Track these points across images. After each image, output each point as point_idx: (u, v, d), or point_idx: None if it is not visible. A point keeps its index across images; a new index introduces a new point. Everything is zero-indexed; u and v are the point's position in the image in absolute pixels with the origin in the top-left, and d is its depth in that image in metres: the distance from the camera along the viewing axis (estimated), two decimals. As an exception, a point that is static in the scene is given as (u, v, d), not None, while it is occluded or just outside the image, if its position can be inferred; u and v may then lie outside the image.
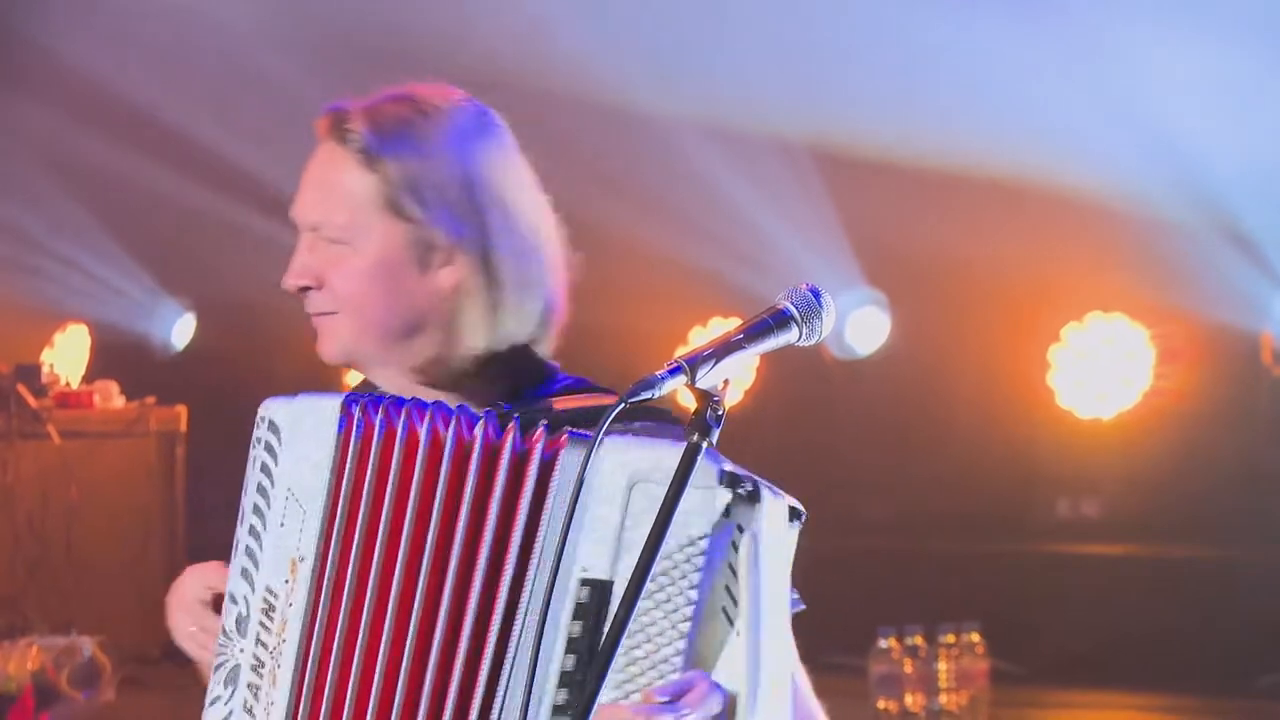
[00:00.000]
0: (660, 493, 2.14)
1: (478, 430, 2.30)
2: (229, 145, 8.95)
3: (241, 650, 2.36)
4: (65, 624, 6.86)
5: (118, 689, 6.63)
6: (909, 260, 7.67)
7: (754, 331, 2.18)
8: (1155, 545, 7.38)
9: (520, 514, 2.27)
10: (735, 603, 2.21)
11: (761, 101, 8.06)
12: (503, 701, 2.29)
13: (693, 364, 2.08)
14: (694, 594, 2.19)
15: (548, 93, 7.65)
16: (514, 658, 2.30)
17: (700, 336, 7.79)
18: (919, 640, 6.26)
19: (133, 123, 9.34)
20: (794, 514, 2.26)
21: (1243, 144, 7.00)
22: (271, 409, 2.35)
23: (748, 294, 7.59)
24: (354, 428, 2.32)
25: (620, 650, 2.17)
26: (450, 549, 2.31)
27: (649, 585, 2.17)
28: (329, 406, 2.34)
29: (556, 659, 2.25)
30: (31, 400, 8.08)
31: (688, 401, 2.12)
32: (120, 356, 9.70)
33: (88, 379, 9.12)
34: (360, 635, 2.32)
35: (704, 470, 2.16)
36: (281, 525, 2.36)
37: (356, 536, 2.31)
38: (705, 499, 2.20)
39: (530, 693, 2.25)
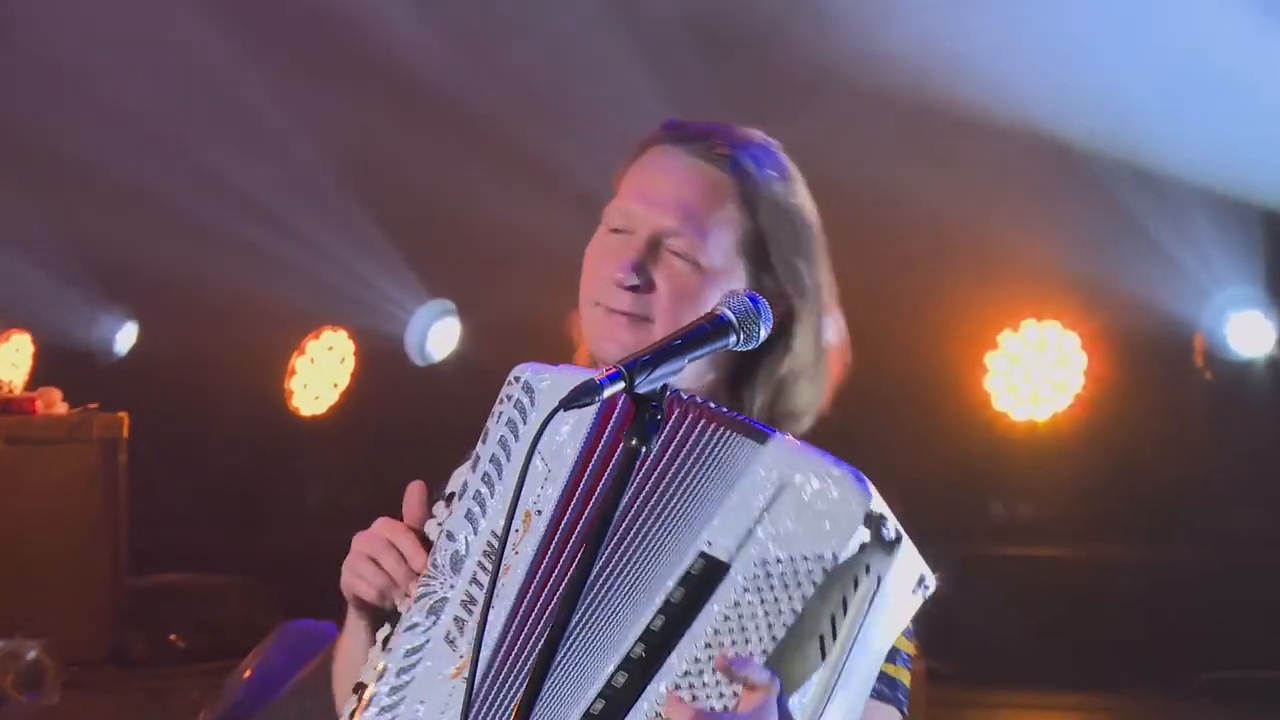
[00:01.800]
0: (807, 499, 2.19)
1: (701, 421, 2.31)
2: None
3: (452, 586, 2.41)
4: (10, 628, 6.79)
5: (62, 691, 6.61)
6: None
7: (692, 337, 2.23)
8: (1089, 547, 7.39)
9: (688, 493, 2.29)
10: (834, 636, 2.19)
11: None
12: (586, 635, 2.33)
13: (630, 369, 2.12)
14: (799, 606, 2.19)
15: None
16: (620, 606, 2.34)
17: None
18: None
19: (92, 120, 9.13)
20: (921, 581, 2.26)
21: (1178, 151, 7.04)
22: (529, 372, 2.39)
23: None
24: (615, 410, 2.35)
25: (709, 632, 2.22)
26: (654, 529, 2.33)
27: (760, 574, 2.23)
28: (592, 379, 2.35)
29: (645, 617, 2.28)
30: None
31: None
32: (62, 364, 9.65)
33: (30, 386, 9.06)
34: (566, 575, 2.37)
35: (856, 501, 2.18)
36: (518, 477, 2.39)
37: (591, 504, 2.35)
38: (847, 528, 2.20)
39: (612, 634, 2.31)
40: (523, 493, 2.34)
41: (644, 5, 8.29)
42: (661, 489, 2.30)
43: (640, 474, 2.33)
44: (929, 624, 5.42)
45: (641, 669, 2.27)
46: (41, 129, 9.51)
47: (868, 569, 2.17)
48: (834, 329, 2.54)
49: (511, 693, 2.35)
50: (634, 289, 2.44)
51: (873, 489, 2.19)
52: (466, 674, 2.31)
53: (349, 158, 8.83)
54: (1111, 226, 7.25)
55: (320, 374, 9.56)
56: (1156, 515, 7.22)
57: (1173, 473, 7.21)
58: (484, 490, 2.44)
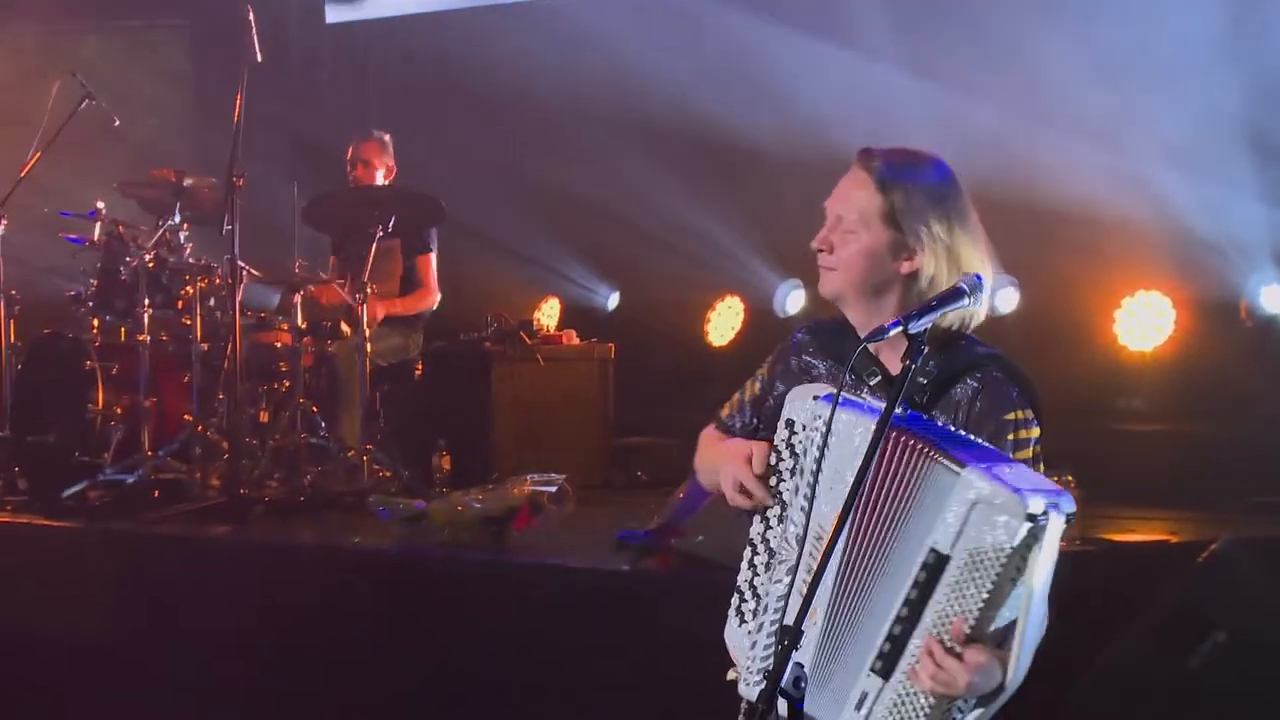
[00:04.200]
0: (993, 515, 2.75)
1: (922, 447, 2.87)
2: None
3: (797, 555, 2.98)
4: (547, 467, 7.22)
5: (576, 505, 7.03)
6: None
7: (944, 299, 2.95)
8: (1177, 424, 8.34)
9: (908, 503, 2.86)
10: (1021, 586, 2.75)
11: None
12: (862, 605, 2.90)
13: (907, 319, 2.84)
14: (995, 576, 2.75)
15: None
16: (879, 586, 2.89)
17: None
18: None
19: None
20: (1068, 519, 2.78)
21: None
22: (825, 414, 2.96)
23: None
24: (887, 443, 2.87)
25: (942, 600, 2.82)
26: (892, 515, 2.89)
27: (967, 561, 2.76)
28: (869, 423, 2.89)
29: (903, 592, 2.86)
30: (527, 340, 9.41)
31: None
32: (577, 315, 10.97)
33: (559, 328, 10.38)
34: (858, 556, 2.92)
35: (1019, 509, 2.72)
36: (831, 488, 2.96)
37: (870, 502, 2.90)
38: (1015, 527, 2.73)
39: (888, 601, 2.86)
40: (833, 497, 2.92)
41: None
42: (897, 498, 2.84)
43: (881, 486, 2.85)
44: (1086, 467, 6.47)
45: (905, 626, 2.84)
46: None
47: (1031, 545, 2.74)
48: (939, 265, 3.08)
49: (835, 626, 2.93)
50: (820, 251, 3.12)
51: (1030, 496, 2.71)
52: (818, 619, 2.94)
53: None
54: (1188, 235, 8.27)
55: (722, 322, 10.41)
56: (1214, 405, 8.23)
57: (1226, 380, 8.25)
58: (808, 491, 2.98)
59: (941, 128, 8.49)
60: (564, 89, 10.28)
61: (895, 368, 3.00)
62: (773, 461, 3.02)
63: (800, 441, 2.98)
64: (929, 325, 2.84)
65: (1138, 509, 7.30)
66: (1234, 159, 8.07)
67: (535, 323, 9.96)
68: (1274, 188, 8.09)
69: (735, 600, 3.06)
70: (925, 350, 2.84)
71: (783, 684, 2.66)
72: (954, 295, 2.88)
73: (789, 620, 2.81)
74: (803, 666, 2.73)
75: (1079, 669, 5.59)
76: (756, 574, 3.04)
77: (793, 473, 2.99)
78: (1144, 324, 8.74)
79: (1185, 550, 6.02)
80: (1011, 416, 3.02)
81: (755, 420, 3.30)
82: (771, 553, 3.02)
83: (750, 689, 3.05)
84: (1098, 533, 6.52)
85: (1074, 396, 8.34)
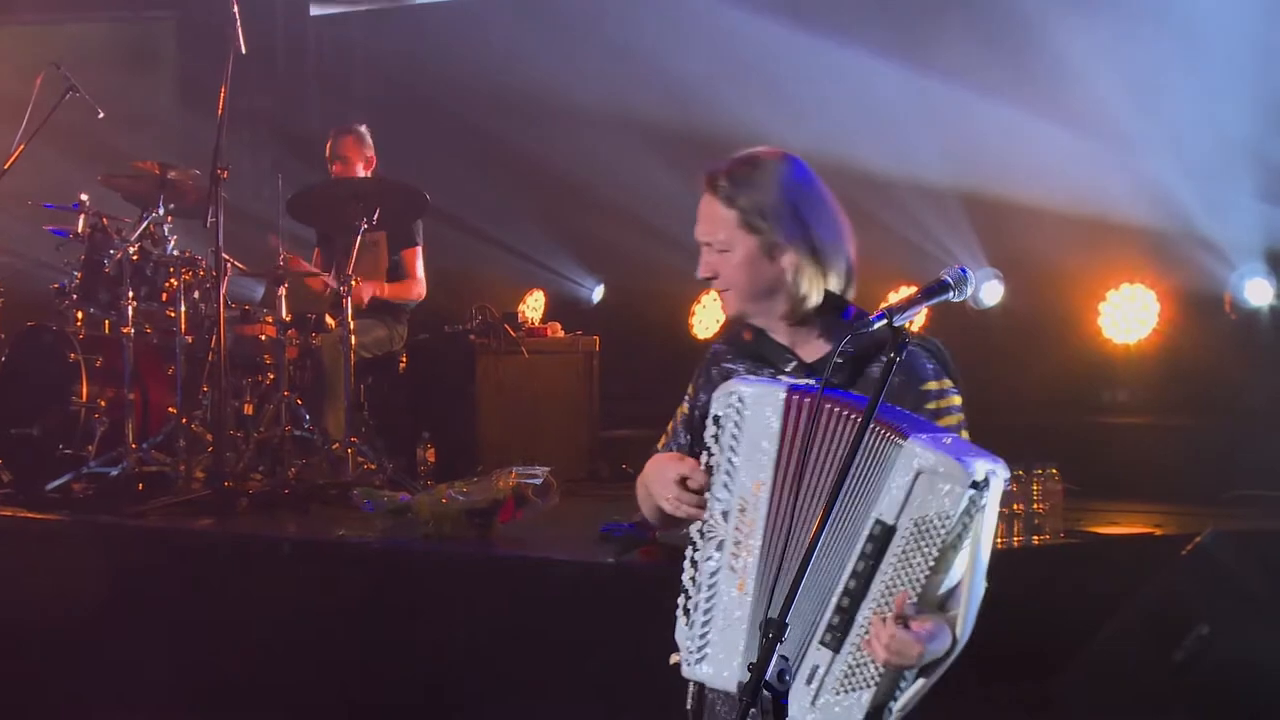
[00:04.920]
0: (937, 484, 2.83)
1: (847, 412, 2.93)
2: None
3: (725, 530, 3.04)
4: (530, 459, 7.24)
5: (560, 497, 6.99)
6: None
7: (929, 292, 2.94)
8: (1160, 416, 8.47)
9: (844, 469, 2.87)
10: (966, 549, 2.85)
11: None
12: (821, 571, 2.92)
13: (891, 312, 2.88)
14: (942, 542, 2.83)
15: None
16: (829, 553, 2.93)
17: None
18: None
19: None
20: (1006, 482, 2.90)
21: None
22: (742, 389, 3.04)
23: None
24: (794, 406, 2.98)
25: (890, 569, 2.89)
26: (824, 486, 2.94)
27: (912, 530, 2.84)
28: (779, 392, 3.01)
29: (849, 564, 2.91)
30: (512, 333, 9.49)
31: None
32: (562, 308, 11.03)
33: (543, 320, 10.38)
34: (789, 530, 2.97)
35: (962, 477, 2.82)
36: (749, 460, 3.02)
37: (794, 472, 2.95)
38: (959, 494, 2.82)
39: (834, 575, 2.92)
40: (751, 469, 3.01)
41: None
42: (836, 471, 2.89)
43: (824, 457, 2.92)
44: (1069, 461, 6.56)
45: (853, 598, 2.90)
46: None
47: (974, 511, 2.83)
48: (803, 253, 3.19)
49: (772, 598, 2.92)
50: (709, 279, 3.27)
51: (973, 463, 2.81)
52: (747, 588, 2.97)
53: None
54: (1177, 230, 8.41)
55: (707, 315, 10.32)
56: (1199, 398, 8.38)
57: (1210, 373, 8.37)
58: (730, 468, 3.05)
59: (932, 123, 8.87)
60: (551, 81, 10.33)
61: (811, 355, 3.16)
62: (705, 460, 3.08)
63: (721, 434, 3.05)
64: (913, 317, 2.91)
65: (1122, 502, 7.36)
66: (1220, 153, 8.16)
67: (520, 315, 10.05)
68: (1259, 182, 8.19)
69: (681, 600, 3.11)
70: (886, 338, 2.95)
71: (767, 677, 2.67)
72: (939, 288, 2.91)
73: (755, 606, 2.91)
74: (787, 660, 2.75)
75: (1063, 662, 5.61)
76: (696, 569, 3.09)
77: (718, 468, 3.06)
78: (1128, 317, 8.83)
79: (1169, 543, 6.05)
80: (927, 387, 3.09)
81: (689, 438, 3.33)
82: (700, 542, 3.10)
83: (693, 669, 3.09)
84: (1082, 526, 6.57)
85: (1058, 390, 8.73)
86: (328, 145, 9.20)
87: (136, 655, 6.69)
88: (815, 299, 3.17)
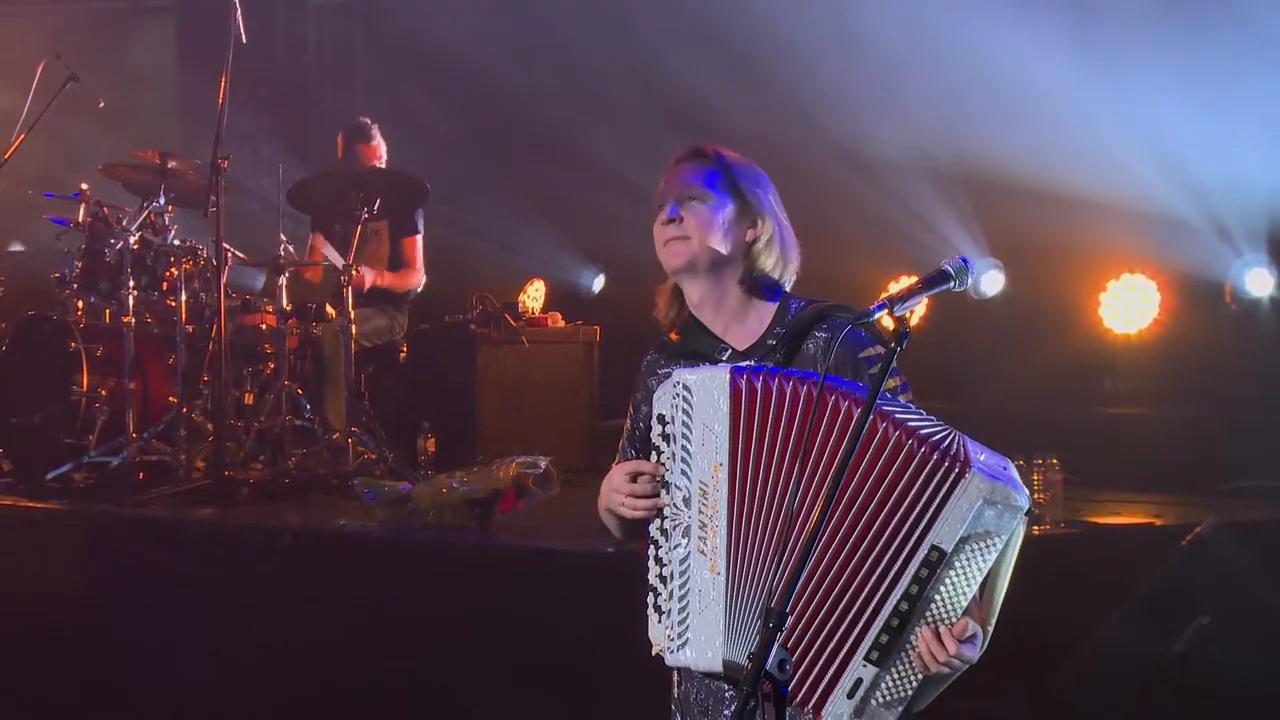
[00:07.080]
0: (994, 511, 2.82)
1: (811, 391, 2.89)
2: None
3: (689, 516, 2.98)
4: (532, 448, 7.23)
5: (561, 487, 6.99)
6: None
7: (930, 282, 2.86)
8: (1160, 407, 8.27)
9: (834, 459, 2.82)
10: (1006, 564, 2.88)
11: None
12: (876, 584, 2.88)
13: (892, 302, 2.76)
14: (990, 560, 2.85)
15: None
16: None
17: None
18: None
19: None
20: (1030, 511, 2.88)
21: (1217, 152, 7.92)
22: (685, 377, 3.00)
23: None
24: (741, 387, 2.94)
25: (945, 589, 2.85)
26: (791, 463, 2.88)
27: (968, 551, 2.82)
28: (723, 374, 2.97)
29: (900, 586, 2.87)
30: (512, 322, 9.37)
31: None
32: (563, 298, 11.03)
33: (544, 310, 10.45)
34: (755, 506, 2.93)
35: (1020, 507, 2.85)
36: (703, 444, 2.98)
37: (753, 449, 2.91)
38: (1012, 522, 2.85)
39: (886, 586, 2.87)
40: (707, 452, 2.96)
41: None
42: (887, 493, 2.81)
43: (783, 433, 2.88)
44: (1069, 451, 6.64)
45: (903, 619, 2.86)
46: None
47: (1019, 528, 2.86)
48: (776, 230, 3.26)
49: (753, 579, 2.90)
50: (671, 221, 3.22)
51: (1021, 487, 2.82)
52: (719, 569, 2.93)
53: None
54: (1178, 222, 8.25)
55: None
56: (1199, 389, 8.22)
57: (1211, 363, 8.25)
58: (685, 454, 3.02)
59: (934, 110, 8.76)
60: (552, 71, 10.33)
61: (743, 342, 3.18)
62: (655, 459, 3.05)
63: (669, 426, 3.01)
64: (913, 308, 2.82)
65: (1122, 492, 7.32)
66: (1221, 143, 8.03)
67: (520, 305, 9.95)
68: (1259, 171, 8.05)
69: (650, 599, 3.06)
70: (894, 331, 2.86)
71: (767, 667, 2.61)
72: (940, 278, 2.83)
73: (728, 584, 2.87)
74: (787, 649, 2.67)
75: (1063, 651, 5.63)
76: (662, 565, 3.03)
77: (673, 458, 3.01)
78: (1129, 307, 8.70)
79: (1169, 534, 6.05)
80: (866, 354, 3.08)
81: (636, 453, 3.33)
82: (667, 535, 3.04)
83: (675, 655, 3.04)
84: (1082, 516, 6.55)
85: (1059, 379, 8.58)
86: (341, 142, 9.23)
87: (137, 643, 6.70)
88: (766, 279, 3.21)
